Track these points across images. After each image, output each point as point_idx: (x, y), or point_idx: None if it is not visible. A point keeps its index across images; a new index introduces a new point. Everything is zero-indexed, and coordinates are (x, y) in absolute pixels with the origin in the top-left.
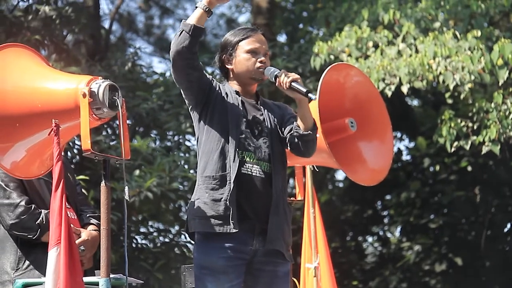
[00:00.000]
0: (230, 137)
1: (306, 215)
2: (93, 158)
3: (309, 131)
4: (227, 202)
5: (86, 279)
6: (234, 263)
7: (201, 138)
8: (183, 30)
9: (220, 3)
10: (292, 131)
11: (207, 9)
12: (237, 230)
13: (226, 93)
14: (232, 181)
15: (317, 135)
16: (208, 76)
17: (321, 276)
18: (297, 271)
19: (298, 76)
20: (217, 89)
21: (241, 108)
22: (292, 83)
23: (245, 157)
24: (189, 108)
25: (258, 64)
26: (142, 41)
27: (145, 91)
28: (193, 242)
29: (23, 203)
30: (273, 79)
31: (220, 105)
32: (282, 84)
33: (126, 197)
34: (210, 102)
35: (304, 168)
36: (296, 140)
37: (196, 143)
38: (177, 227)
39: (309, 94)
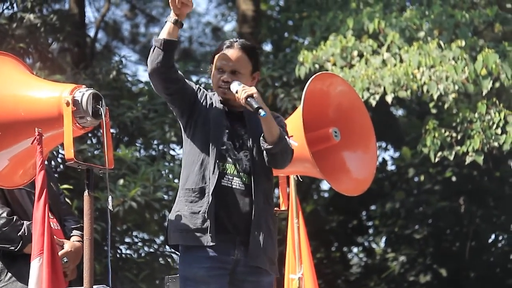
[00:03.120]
0: (210, 149)
1: (290, 225)
2: (77, 167)
3: (272, 145)
4: (205, 215)
5: None
6: (215, 273)
7: (185, 149)
8: (155, 46)
9: (186, 11)
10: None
11: (176, 22)
12: (214, 244)
13: (212, 103)
14: (210, 193)
15: (293, 145)
16: (193, 86)
17: (305, 287)
18: (281, 281)
19: (255, 91)
20: (202, 99)
21: (225, 119)
22: (248, 99)
23: (226, 169)
24: (178, 117)
25: (220, 83)
26: (127, 50)
27: (129, 99)
28: (177, 253)
29: (4, 214)
30: (235, 93)
31: (203, 116)
32: (239, 99)
33: (110, 207)
34: (194, 114)
35: (288, 178)
36: (265, 153)
37: (182, 154)
38: (161, 237)
39: (260, 110)
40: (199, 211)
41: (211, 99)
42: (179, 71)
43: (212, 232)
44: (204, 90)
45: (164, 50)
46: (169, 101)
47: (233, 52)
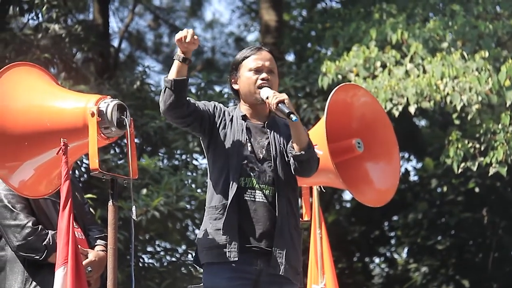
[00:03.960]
0: (231, 166)
1: (312, 235)
2: (101, 177)
3: (302, 151)
4: (224, 231)
5: None
6: (238, 282)
7: (209, 169)
8: (165, 87)
9: (193, 48)
10: (288, 152)
11: (183, 59)
12: (237, 259)
13: (232, 120)
14: (226, 209)
15: (318, 153)
16: (209, 107)
17: None
18: None
19: (286, 97)
20: (220, 119)
21: (245, 134)
22: (279, 104)
23: (248, 183)
24: (201, 140)
25: (259, 82)
26: (151, 60)
27: (153, 109)
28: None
29: (30, 224)
30: (266, 99)
31: (223, 135)
32: (270, 105)
33: (134, 216)
34: (213, 135)
35: (311, 188)
36: (292, 160)
37: (208, 176)
38: (184, 246)
39: (291, 115)
40: (222, 228)
41: (230, 115)
42: (191, 102)
43: (235, 247)
44: (222, 107)
45: (175, 90)
46: (189, 130)
47: (265, 54)
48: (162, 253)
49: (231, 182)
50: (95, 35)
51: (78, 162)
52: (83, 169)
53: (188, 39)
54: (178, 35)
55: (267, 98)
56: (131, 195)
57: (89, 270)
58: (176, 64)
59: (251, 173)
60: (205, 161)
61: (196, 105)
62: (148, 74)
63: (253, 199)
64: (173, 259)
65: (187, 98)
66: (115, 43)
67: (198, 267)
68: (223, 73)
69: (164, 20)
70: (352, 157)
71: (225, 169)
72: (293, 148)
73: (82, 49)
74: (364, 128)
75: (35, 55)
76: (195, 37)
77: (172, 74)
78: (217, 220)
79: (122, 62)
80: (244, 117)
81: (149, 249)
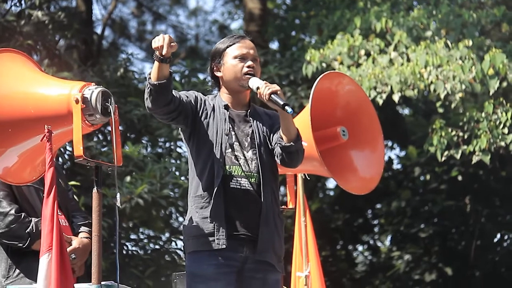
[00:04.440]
0: (216, 155)
1: (297, 223)
2: (85, 164)
3: (291, 143)
4: (212, 219)
5: (78, 285)
6: (224, 270)
7: (190, 159)
8: (150, 88)
9: (171, 50)
10: (276, 143)
11: (162, 60)
12: (225, 246)
13: (213, 109)
14: (212, 197)
15: (303, 145)
16: (191, 99)
17: (312, 285)
18: (288, 279)
19: (278, 88)
20: (202, 108)
21: (228, 123)
22: (272, 95)
23: (233, 171)
24: (180, 130)
25: (245, 69)
26: (134, 47)
27: (136, 97)
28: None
29: (12, 211)
30: (256, 90)
31: (205, 125)
32: (262, 95)
33: (118, 203)
34: (196, 125)
35: (295, 176)
36: (280, 151)
37: (188, 165)
38: (167, 234)
39: (286, 107)
40: (209, 216)
41: (211, 104)
42: (175, 96)
43: (223, 234)
44: (203, 97)
45: (160, 91)
46: (172, 123)
47: (249, 42)
48: (145, 240)
49: (216, 171)
50: (78, 22)
51: (62, 149)
52: (66, 156)
53: (164, 51)
54: (154, 44)
55: (258, 88)
56: (116, 182)
57: (73, 257)
58: (156, 64)
59: (236, 161)
60: None
61: (180, 98)
62: (131, 61)
63: (239, 186)
64: (157, 246)
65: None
66: (98, 30)
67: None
68: (207, 61)
69: (147, 7)
70: (337, 145)
71: (210, 158)
72: (282, 139)
73: (65, 36)
74: (349, 116)
75: (18, 42)
76: (172, 44)
77: (154, 76)
78: (203, 209)
79: (105, 49)
80: (226, 107)
81: (133, 236)
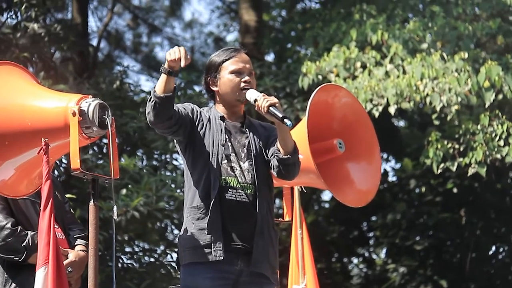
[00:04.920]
0: (212, 166)
1: (293, 236)
2: (82, 177)
3: (288, 155)
4: (209, 231)
5: None
6: (219, 282)
7: (186, 170)
8: (154, 101)
9: (177, 65)
10: (273, 155)
11: (170, 73)
12: (222, 258)
13: (209, 120)
14: (210, 208)
15: (300, 158)
16: (188, 111)
17: None
18: None
19: (277, 101)
20: (198, 120)
21: (224, 134)
22: (270, 108)
23: (229, 182)
24: (175, 141)
25: (242, 84)
26: (129, 59)
27: (132, 109)
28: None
29: (9, 225)
30: (253, 102)
31: (201, 136)
32: (260, 108)
33: (115, 216)
34: (192, 136)
35: (292, 188)
36: (277, 163)
37: (184, 176)
38: (162, 247)
39: (285, 120)
40: (205, 227)
41: (206, 116)
42: (175, 109)
43: (220, 246)
44: (198, 109)
45: (165, 105)
46: (171, 136)
47: (245, 56)
48: (140, 253)
49: (213, 182)
50: (74, 34)
51: (57, 162)
52: (62, 169)
53: (182, 63)
54: (171, 56)
55: (255, 100)
56: (113, 195)
57: (69, 270)
58: (163, 77)
59: (232, 173)
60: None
61: (179, 111)
62: (127, 73)
63: (234, 198)
64: (152, 259)
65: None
66: (94, 42)
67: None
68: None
69: (143, 19)
70: (334, 158)
71: (206, 169)
72: (279, 151)
73: (61, 48)
74: (346, 128)
75: (14, 54)
76: (188, 57)
77: (161, 89)
78: (199, 220)
79: (101, 62)
80: (222, 118)
81: (128, 249)
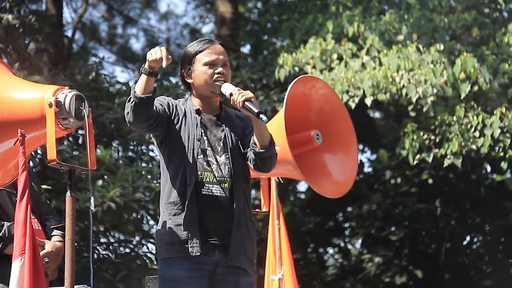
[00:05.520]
0: (187, 161)
1: (270, 226)
2: (59, 168)
3: (264, 149)
4: (185, 226)
5: None
6: (196, 273)
7: (163, 164)
8: (134, 101)
9: (158, 65)
10: (249, 148)
11: (150, 73)
12: (199, 254)
13: (185, 115)
14: (185, 205)
15: (277, 149)
16: (164, 106)
17: None
18: (261, 282)
19: (252, 95)
20: (174, 114)
21: (200, 128)
22: (246, 103)
23: (205, 177)
24: (152, 135)
25: (215, 76)
26: (104, 50)
27: (108, 100)
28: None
29: None
30: (229, 96)
31: (177, 131)
32: (235, 102)
33: (92, 207)
34: (168, 131)
35: (269, 179)
36: (253, 156)
37: (160, 169)
38: (138, 238)
39: (261, 115)
40: (182, 223)
41: (182, 109)
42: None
43: (197, 242)
44: (174, 102)
45: (145, 106)
46: (150, 133)
47: (219, 47)
48: (115, 244)
49: (188, 178)
50: (49, 25)
51: (32, 153)
52: (37, 160)
53: (164, 63)
54: (152, 56)
55: (231, 95)
56: (90, 186)
57: (46, 261)
58: (144, 78)
59: (208, 167)
60: None
61: (157, 110)
62: (102, 65)
63: (211, 193)
64: (127, 250)
65: None
66: (69, 33)
67: (153, 258)
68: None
69: (118, 11)
70: (311, 149)
71: (182, 165)
72: (256, 145)
73: (36, 40)
74: (323, 120)
75: None
76: (169, 56)
77: (141, 89)
78: (176, 216)
79: (75, 53)
80: (198, 111)
81: (103, 240)
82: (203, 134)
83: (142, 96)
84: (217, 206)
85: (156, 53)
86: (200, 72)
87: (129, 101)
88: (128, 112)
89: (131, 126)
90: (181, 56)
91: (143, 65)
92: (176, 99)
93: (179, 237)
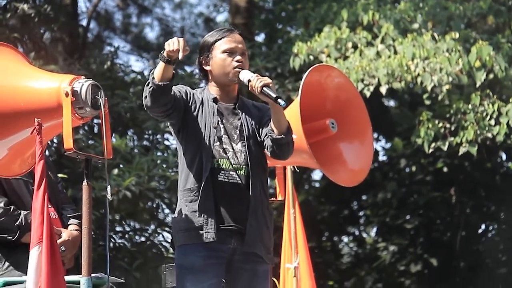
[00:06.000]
0: (204, 148)
1: (286, 215)
2: (75, 157)
3: (282, 135)
4: (201, 212)
5: (68, 278)
6: (212, 261)
7: (180, 152)
8: (152, 87)
9: (175, 56)
10: (266, 135)
11: (168, 61)
12: (214, 239)
13: (202, 103)
14: (200, 191)
15: (293, 137)
16: (182, 93)
17: (301, 276)
18: (277, 271)
19: (270, 81)
20: (191, 103)
21: (217, 116)
22: (264, 88)
23: (221, 164)
24: (168, 124)
25: (234, 64)
26: (119, 40)
27: (123, 89)
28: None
29: (1, 204)
30: (247, 82)
31: (194, 118)
32: (254, 88)
33: (109, 196)
34: (186, 118)
35: (284, 168)
36: (271, 143)
37: (178, 157)
38: (153, 226)
39: (279, 100)
40: (197, 210)
41: (199, 98)
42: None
43: (212, 228)
44: (191, 91)
45: (163, 92)
46: (166, 119)
47: (238, 36)
48: (131, 233)
49: (205, 164)
50: (64, 15)
51: (48, 142)
52: (53, 149)
53: (180, 55)
54: (169, 47)
55: (249, 81)
56: (106, 175)
57: (62, 249)
58: (162, 65)
59: (224, 154)
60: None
61: (175, 95)
62: (117, 54)
63: (227, 180)
64: (143, 238)
65: None
66: (84, 23)
67: (169, 247)
68: (193, 54)
69: (132, 0)
70: (326, 138)
71: (198, 152)
72: (273, 131)
73: (51, 29)
74: (338, 109)
75: (4, 35)
76: (186, 48)
77: (159, 76)
78: (192, 203)
79: (90, 42)
80: (215, 100)
81: (119, 228)
82: (219, 122)
83: (160, 83)
84: (233, 193)
85: (174, 45)
86: (219, 59)
87: (147, 85)
88: (146, 97)
89: (148, 110)
90: (200, 44)
91: (161, 52)
92: (192, 89)
93: (195, 223)
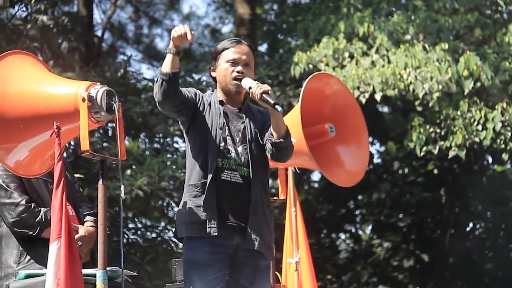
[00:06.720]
0: (210, 147)
1: (288, 213)
2: (91, 158)
3: (281, 139)
4: (205, 208)
5: (85, 271)
6: (217, 256)
7: (188, 150)
8: (162, 80)
9: (184, 43)
10: (267, 139)
11: (176, 52)
12: (216, 234)
13: (210, 104)
14: (206, 188)
15: (293, 141)
16: (192, 93)
17: (302, 270)
18: (279, 265)
19: (269, 88)
20: (200, 103)
21: (223, 118)
22: (263, 95)
23: (225, 164)
24: (180, 122)
25: (234, 74)
26: (131, 49)
27: (135, 95)
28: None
29: (23, 202)
30: (248, 89)
31: (202, 119)
32: (254, 95)
33: (122, 195)
34: (195, 118)
35: (286, 169)
36: (270, 146)
37: (186, 154)
38: (163, 223)
39: (276, 106)
40: (202, 205)
41: (207, 100)
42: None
43: (215, 223)
44: (200, 93)
45: (172, 82)
46: (177, 116)
47: (244, 47)
48: (143, 229)
49: (210, 163)
50: (80, 26)
51: (66, 144)
52: (70, 151)
53: (189, 37)
54: (177, 32)
55: (250, 88)
56: (120, 175)
57: (80, 244)
58: (170, 57)
59: (228, 155)
60: (184, 144)
61: (184, 93)
62: (130, 62)
63: (229, 179)
64: (154, 235)
65: None
66: (99, 33)
67: (178, 242)
68: (200, 63)
69: (144, 12)
70: (325, 141)
71: (204, 150)
72: (273, 136)
73: (68, 39)
74: (336, 114)
75: (25, 44)
76: (192, 32)
77: (168, 67)
78: (196, 197)
79: (105, 51)
80: (221, 103)
81: (131, 225)
82: (225, 123)
83: (168, 72)
84: (235, 192)
85: (180, 29)
86: (222, 68)
87: (156, 81)
88: (156, 92)
89: (159, 107)
90: (213, 51)
91: (167, 47)
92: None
93: (199, 217)
